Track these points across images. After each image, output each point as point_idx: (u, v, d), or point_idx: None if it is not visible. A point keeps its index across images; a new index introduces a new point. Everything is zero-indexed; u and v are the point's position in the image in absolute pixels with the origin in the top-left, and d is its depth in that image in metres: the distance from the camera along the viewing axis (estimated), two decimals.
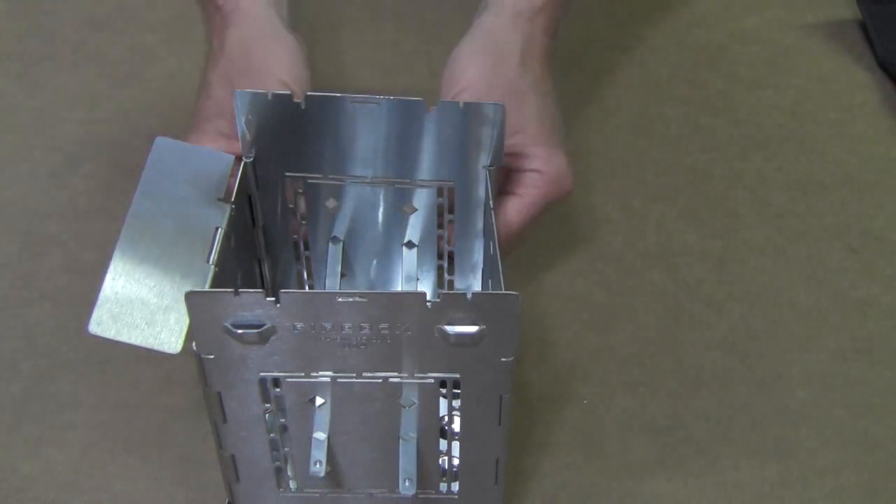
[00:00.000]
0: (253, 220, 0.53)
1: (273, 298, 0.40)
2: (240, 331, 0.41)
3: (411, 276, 0.57)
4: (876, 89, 0.79)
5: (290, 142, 0.51)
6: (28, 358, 0.59)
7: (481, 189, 0.52)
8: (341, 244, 0.56)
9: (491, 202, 0.50)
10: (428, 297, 0.41)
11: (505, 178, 0.56)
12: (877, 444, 0.56)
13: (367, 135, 0.51)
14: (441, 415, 0.46)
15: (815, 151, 0.74)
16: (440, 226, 0.54)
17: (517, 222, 0.55)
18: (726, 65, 0.81)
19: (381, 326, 0.42)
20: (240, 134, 0.50)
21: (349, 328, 0.42)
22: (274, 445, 0.47)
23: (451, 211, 0.54)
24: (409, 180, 0.53)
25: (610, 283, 0.64)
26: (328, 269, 0.56)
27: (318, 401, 0.45)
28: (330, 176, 0.53)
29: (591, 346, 0.61)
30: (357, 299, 0.41)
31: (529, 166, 0.55)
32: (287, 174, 0.52)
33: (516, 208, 0.55)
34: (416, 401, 0.45)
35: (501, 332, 0.42)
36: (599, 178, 0.71)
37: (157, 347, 0.43)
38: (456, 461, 0.48)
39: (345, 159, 0.52)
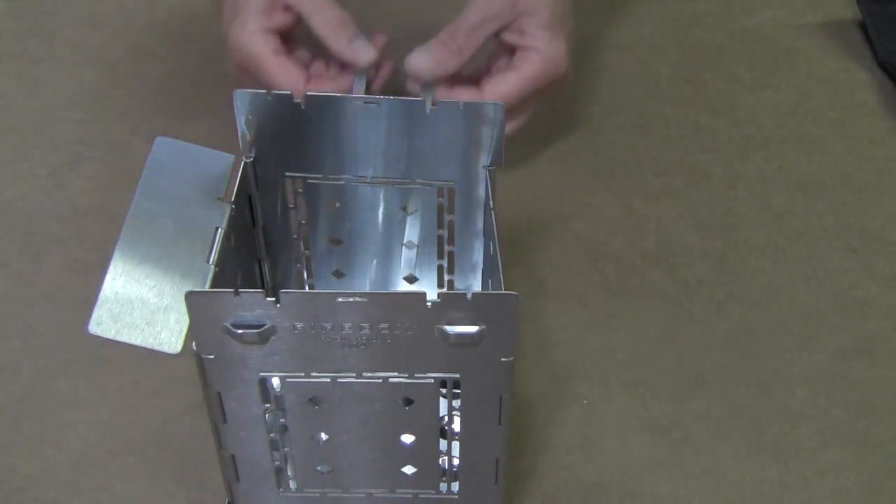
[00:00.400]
0: (253, 220, 0.53)
1: (273, 298, 0.40)
2: (240, 331, 0.41)
3: (411, 276, 0.57)
4: (876, 89, 0.79)
5: (290, 142, 0.51)
6: (28, 358, 0.59)
7: (481, 189, 0.52)
8: (341, 244, 0.56)
9: (491, 202, 0.50)
10: (428, 297, 0.41)
11: (509, 55, 0.64)
12: (877, 444, 0.56)
13: (367, 135, 0.51)
14: (441, 415, 0.46)
15: (815, 151, 0.74)
16: (440, 226, 0.55)
17: (513, 95, 0.63)
18: (726, 65, 0.81)
19: (381, 326, 0.42)
20: (240, 134, 0.50)
21: (349, 328, 0.42)
22: (274, 445, 0.47)
23: (451, 211, 0.54)
24: (409, 180, 0.53)
25: (610, 283, 0.64)
26: (327, 270, 0.56)
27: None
28: (330, 176, 0.53)
29: (591, 346, 0.61)
30: (357, 299, 0.41)
31: (530, 45, 0.63)
32: (287, 174, 0.52)
33: (512, 82, 0.63)
34: (415, 401, 0.45)
35: (501, 332, 0.42)
36: (599, 178, 0.71)
37: (157, 347, 0.43)
38: (456, 461, 0.48)
39: (345, 159, 0.52)
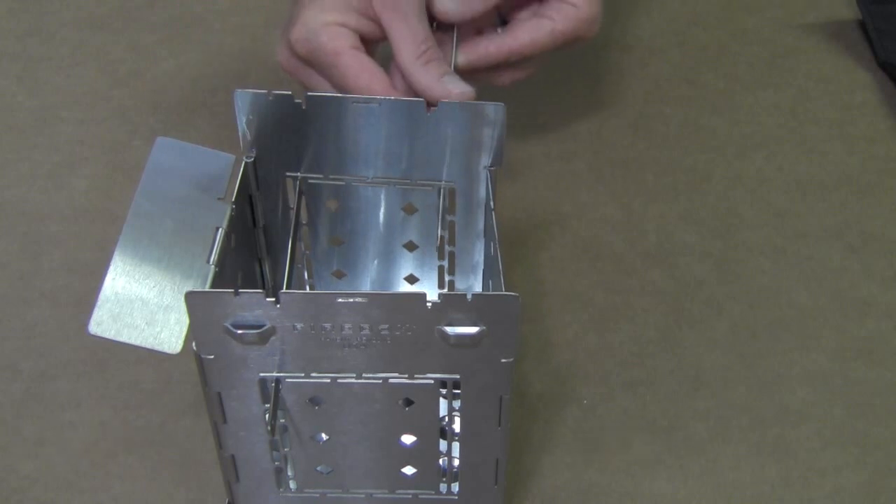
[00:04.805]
0: (253, 220, 0.53)
1: (273, 299, 0.40)
2: (240, 331, 0.41)
3: (412, 276, 0.57)
4: (876, 89, 0.79)
5: (291, 142, 0.51)
6: (28, 358, 0.59)
7: (482, 189, 0.52)
8: (342, 244, 0.56)
9: (492, 202, 0.50)
10: (428, 298, 0.41)
11: (535, 2, 0.61)
12: (877, 444, 0.56)
13: (367, 135, 0.51)
14: (441, 415, 0.46)
15: (815, 151, 0.74)
16: (441, 226, 0.54)
17: (543, 45, 0.60)
18: (726, 65, 0.81)
19: (381, 327, 0.42)
20: (240, 134, 0.50)
21: (349, 329, 0.42)
22: (274, 445, 0.47)
23: (451, 211, 0.54)
24: (409, 180, 0.53)
25: (610, 283, 0.64)
26: (327, 270, 0.56)
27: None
28: (330, 176, 0.53)
29: (591, 346, 0.61)
30: (357, 300, 0.41)
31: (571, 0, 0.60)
32: (287, 174, 0.52)
33: (546, 31, 0.60)
34: (415, 401, 0.45)
35: (501, 333, 0.42)
36: (599, 178, 0.71)
37: (157, 347, 0.43)
38: (456, 461, 0.48)
39: (345, 159, 0.52)
